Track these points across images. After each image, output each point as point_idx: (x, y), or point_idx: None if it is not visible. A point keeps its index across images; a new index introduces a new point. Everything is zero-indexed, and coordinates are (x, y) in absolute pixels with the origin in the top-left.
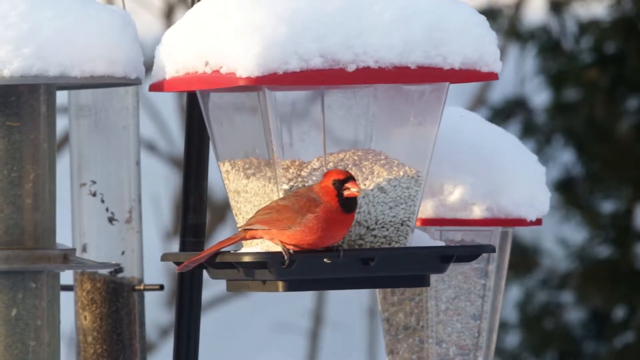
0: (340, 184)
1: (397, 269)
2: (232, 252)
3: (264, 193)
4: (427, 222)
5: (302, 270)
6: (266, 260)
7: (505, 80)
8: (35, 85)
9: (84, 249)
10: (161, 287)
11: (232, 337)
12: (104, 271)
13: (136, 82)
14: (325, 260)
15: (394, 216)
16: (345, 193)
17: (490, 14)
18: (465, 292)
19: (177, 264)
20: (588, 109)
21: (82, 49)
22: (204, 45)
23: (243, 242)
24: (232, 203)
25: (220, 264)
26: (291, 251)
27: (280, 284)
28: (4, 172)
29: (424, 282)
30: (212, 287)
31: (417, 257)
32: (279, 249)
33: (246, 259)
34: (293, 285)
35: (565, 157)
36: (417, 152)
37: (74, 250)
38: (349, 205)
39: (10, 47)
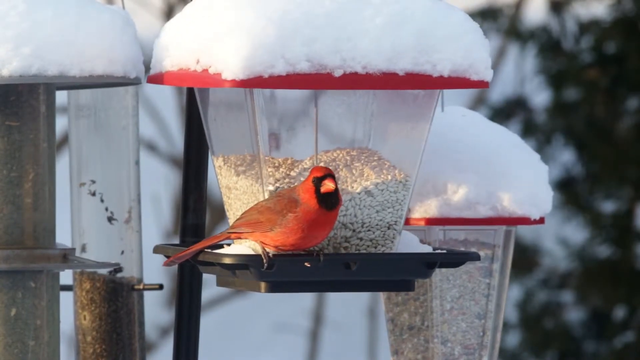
0: (318, 181)
1: (381, 273)
2: (214, 251)
3: (251, 192)
4: (431, 222)
5: (284, 272)
6: (246, 263)
7: (505, 80)
8: (34, 84)
9: (84, 249)
10: (160, 287)
11: (232, 337)
12: (104, 271)
13: (136, 82)
14: (305, 264)
15: (380, 220)
16: (322, 189)
17: (490, 13)
18: (470, 291)
19: (168, 257)
20: (588, 109)
21: (81, 48)
22: (196, 42)
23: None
24: (224, 199)
25: (205, 261)
26: (270, 254)
27: (262, 284)
28: (4, 172)
29: (409, 286)
30: (212, 287)
31: (399, 263)
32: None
33: (226, 260)
34: (276, 287)
35: (565, 157)
36: (408, 154)
37: (73, 249)
38: (328, 202)
39: (9, 46)
